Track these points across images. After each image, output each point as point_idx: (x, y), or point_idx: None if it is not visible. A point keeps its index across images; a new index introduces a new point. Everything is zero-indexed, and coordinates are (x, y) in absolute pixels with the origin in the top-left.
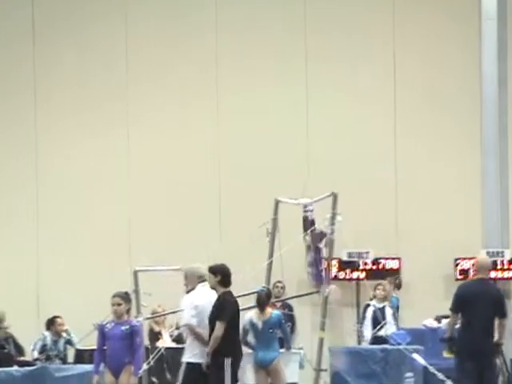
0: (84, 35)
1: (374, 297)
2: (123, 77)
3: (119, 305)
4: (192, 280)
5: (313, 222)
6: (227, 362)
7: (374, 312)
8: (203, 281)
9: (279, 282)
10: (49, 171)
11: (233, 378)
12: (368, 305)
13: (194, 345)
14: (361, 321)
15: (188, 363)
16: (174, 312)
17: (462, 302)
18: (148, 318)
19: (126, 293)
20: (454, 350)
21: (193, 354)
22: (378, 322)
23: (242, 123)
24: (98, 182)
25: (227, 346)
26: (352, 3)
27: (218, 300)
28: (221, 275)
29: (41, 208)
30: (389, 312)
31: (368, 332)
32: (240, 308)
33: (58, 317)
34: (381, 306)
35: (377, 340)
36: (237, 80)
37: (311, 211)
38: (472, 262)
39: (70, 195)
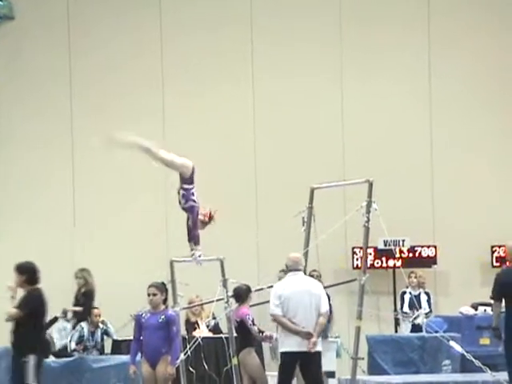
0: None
1: (409, 285)
2: (158, 61)
3: (155, 295)
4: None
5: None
6: (31, 358)
7: (410, 299)
8: (295, 270)
9: (314, 270)
10: (84, 165)
11: (36, 376)
12: (404, 292)
13: (285, 334)
14: (398, 308)
15: (282, 353)
16: (210, 302)
17: (503, 289)
18: (185, 308)
19: (162, 283)
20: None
21: (285, 344)
22: (413, 309)
23: (278, 110)
24: (134, 171)
25: (31, 343)
26: None
27: (23, 295)
28: (27, 274)
29: (77, 200)
30: (424, 299)
31: (407, 320)
32: None
33: (94, 307)
34: (416, 293)
35: (414, 328)
36: (273, 66)
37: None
38: None
39: (107, 186)
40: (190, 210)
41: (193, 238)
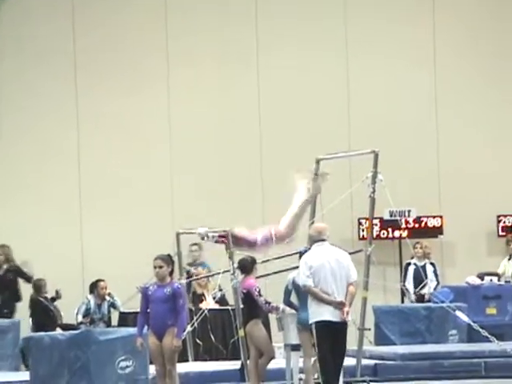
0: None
1: (414, 255)
2: (163, 35)
3: (161, 267)
4: (309, 240)
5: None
6: None
7: (415, 270)
8: (320, 240)
9: None
10: (90, 138)
11: None
12: (409, 263)
13: (316, 304)
14: (403, 279)
15: (316, 322)
16: (216, 274)
17: None
18: (191, 280)
19: (168, 255)
20: None
21: (317, 314)
22: (419, 280)
23: (283, 81)
24: (139, 145)
25: None
26: None
27: None
28: None
29: (82, 174)
30: (430, 270)
31: (410, 290)
32: (283, 268)
33: (100, 280)
34: (422, 263)
35: (420, 298)
36: (278, 39)
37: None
38: None
39: (112, 160)
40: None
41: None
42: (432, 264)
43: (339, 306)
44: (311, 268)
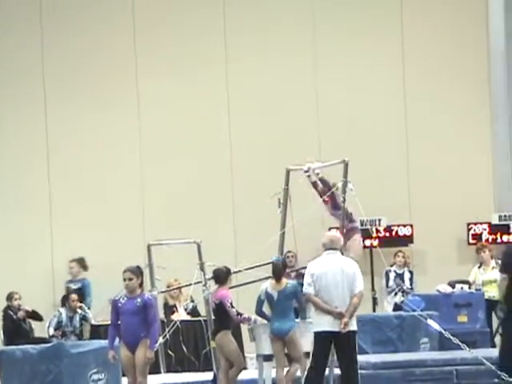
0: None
1: (394, 263)
2: (131, 45)
3: (130, 279)
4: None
5: (322, 181)
6: None
7: (395, 278)
8: (331, 249)
9: (289, 251)
10: (59, 150)
11: None
12: (389, 270)
13: (317, 314)
14: (383, 286)
15: (315, 333)
16: (188, 285)
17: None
18: (163, 292)
19: (138, 267)
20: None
21: (317, 323)
22: (398, 287)
23: (253, 92)
24: (109, 158)
25: None
26: None
27: None
28: None
29: (53, 184)
30: (407, 277)
31: (391, 298)
32: (255, 279)
33: (72, 293)
34: (401, 271)
35: (396, 307)
36: (246, 48)
37: (316, 174)
38: (484, 226)
39: (82, 172)
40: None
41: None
42: (410, 272)
43: (338, 316)
44: (313, 276)
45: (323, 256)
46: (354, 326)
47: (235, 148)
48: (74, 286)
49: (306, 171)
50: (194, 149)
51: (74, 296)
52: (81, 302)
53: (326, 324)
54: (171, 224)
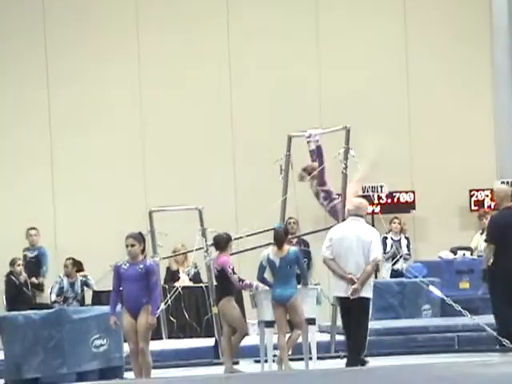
0: None
1: (390, 230)
2: (133, 15)
3: (133, 246)
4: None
5: (318, 152)
6: None
7: (392, 244)
8: (355, 215)
9: (291, 218)
10: (62, 116)
11: None
12: (385, 237)
13: (335, 278)
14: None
15: (334, 297)
16: (189, 251)
17: (497, 231)
18: (165, 258)
19: (140, 233)
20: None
21: (334, 288)
22: (395, 254)
23: (254, 58)
24: (111, 124)
25: None
26: None
27: None
28: None
29: (55, 152)
30: (404, 243)
31: (388, 264)
32: (257, 245)
33: (70, 258)
34: (397, 238)
35: (394, 273)
36: (249, 19)
37: (315, 141)
38: (487, 192)
39: (84, 138)
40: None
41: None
42: (406, 238)
43: (350, 282)
44: (331, 240)
45: (347, 221)
46: (367, 293)
47: (236, 114)
48: (30, 254)
49: (307, 137)
50: (194, 115)
51: (68, 262)
52: (36, 272)
53: (341, 289)
54: (172, 190)
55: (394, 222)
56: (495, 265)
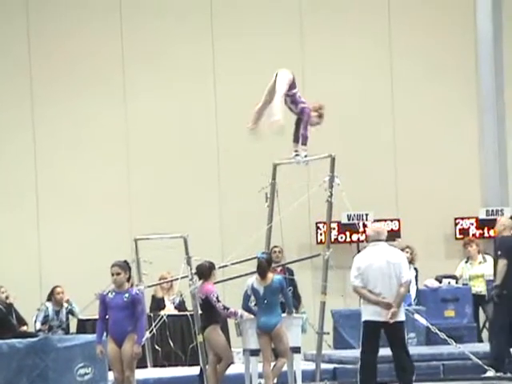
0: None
1: None
2: (119, 45)
3: (118, 274)
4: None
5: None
6: None
7: None
8: (376, 240)
9: (275, 246)
10: (47, 141)
11: None
12: None
13: (366, 303)
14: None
15: (364, 322)
16: (175, 280)
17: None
18: (150, 286)
19: (125, 261)
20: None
21: (366, 313)
22: None
23: (240, 83)
24: (96, 150)
25: None
26: None
27: None
28: None
29: (40, 178)
30: (412, 275)
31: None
32: (241, 274)
33: (56, 286)
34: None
35: None
36: (234, 42)
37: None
38: (472, 221)
39: (69, 164)
40: (302, 112)
41: (302, 138)
42: (415, 269)
43: (386, 306)
44: (359, 269)
45: (369, 248)
46: (402, 316)
47: (221, 142)
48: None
49: (297, 163)
50: (180, 143)
51: (59, 289)
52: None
53: (375, 313)
54: (158, 218)
55: (407, 252)
56: (504, 286)
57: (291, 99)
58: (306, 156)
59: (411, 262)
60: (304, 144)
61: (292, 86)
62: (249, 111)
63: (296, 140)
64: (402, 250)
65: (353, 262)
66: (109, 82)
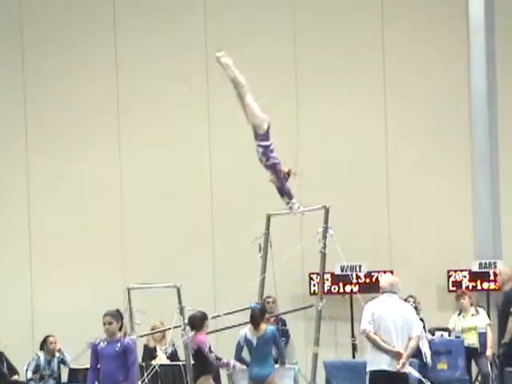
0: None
1: None
2: (114, 89)
3: (110, 323)
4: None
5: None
6: None
7: None
8: (390, 292)
9: (269, 297)
10: (41, 190)
11: None
12: None
13: (374, 352)
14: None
15: (371, 371)
16: (167, 329)
17: None
18: (142, 336)
19: (118, 310)
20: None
21: (374, 362)
22: None
23: (234, 132)
24: (90, 199)
25: None
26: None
27: None
28: None
29: (33, 226)
30: None
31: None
32: (234, 324)
33: (49, 336)
34: None
35: None
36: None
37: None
38: (464, 273)
39: (62, 214)
40: (273, 168)
41: (285, 193)
42: (421, 319)
43: (397, 356)
44: (373, 315)
45: (382, 297)
46: (408, 368)
47: (215, 192)
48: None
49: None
50: (173, 193)
51: (51, 338)
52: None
53: (384, 363)
54: (151, 268)
55: (409, 301)
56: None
57: (263, 150)
58: (298, 207)
59: (416, 311)
60: (290, 198)
61: (265, 136)
62: (243, 164)
63: (282, 195)
64: (406, 299)
65: (365, 309)
66: (103, 134)
